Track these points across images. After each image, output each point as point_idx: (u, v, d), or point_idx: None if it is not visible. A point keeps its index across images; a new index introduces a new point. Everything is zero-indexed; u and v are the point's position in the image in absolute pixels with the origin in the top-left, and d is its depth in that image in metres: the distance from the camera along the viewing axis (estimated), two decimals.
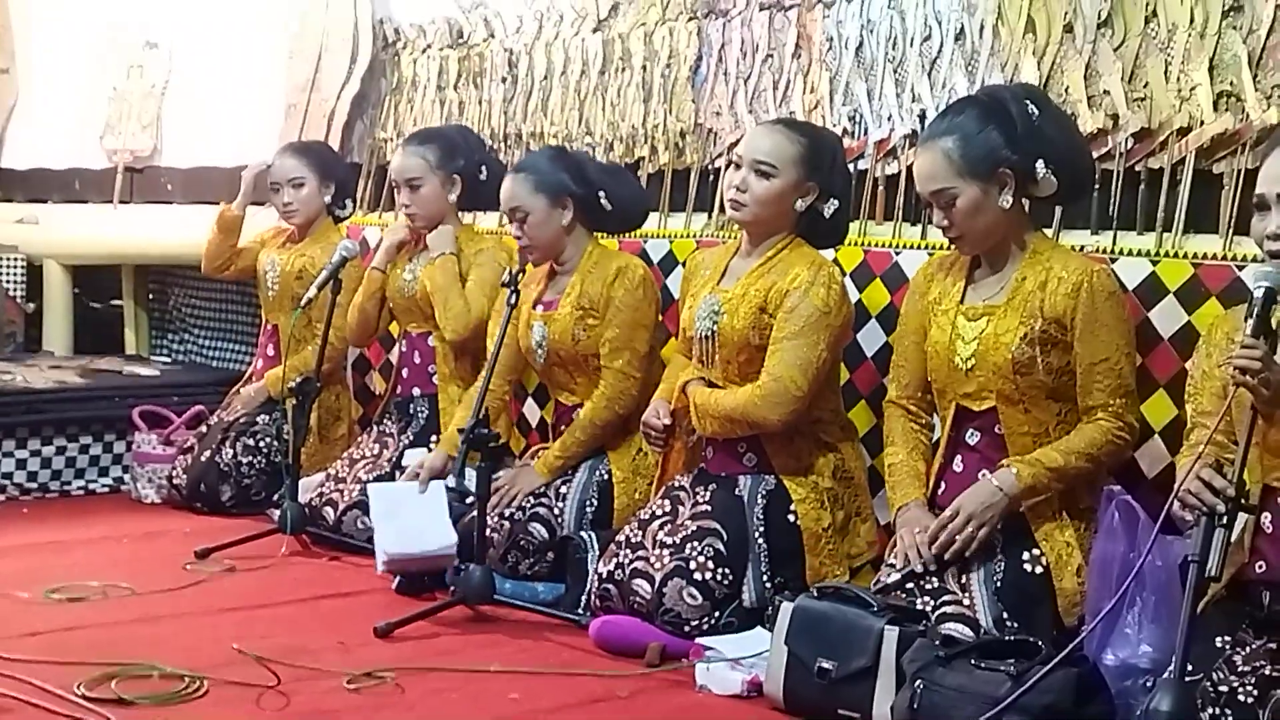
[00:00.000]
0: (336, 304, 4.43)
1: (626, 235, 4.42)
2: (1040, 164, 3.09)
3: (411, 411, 4.57)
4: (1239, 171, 3.23)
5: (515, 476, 3.96)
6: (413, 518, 3.87)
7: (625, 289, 3.91)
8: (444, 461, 4.15)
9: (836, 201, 3.55)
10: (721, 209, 3.95)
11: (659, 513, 3.55)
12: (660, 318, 4.06)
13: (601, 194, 3.99)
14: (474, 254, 4.46)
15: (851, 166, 3.96)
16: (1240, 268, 3.18)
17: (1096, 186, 3.39)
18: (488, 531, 3.70)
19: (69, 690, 2.91)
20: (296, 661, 3.16)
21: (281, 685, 3.03)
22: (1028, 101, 3.13)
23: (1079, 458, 3.04)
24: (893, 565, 3.12)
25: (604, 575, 3.50)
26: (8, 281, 6.54)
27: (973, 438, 3.20)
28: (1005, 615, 2.98)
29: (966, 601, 3.00)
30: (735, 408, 3.45)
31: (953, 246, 3.25)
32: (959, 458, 3.23)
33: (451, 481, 3.78)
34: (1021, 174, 3.10)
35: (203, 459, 4.85)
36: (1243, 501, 2.46)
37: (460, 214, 4.64)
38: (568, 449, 3.94)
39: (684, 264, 4.16)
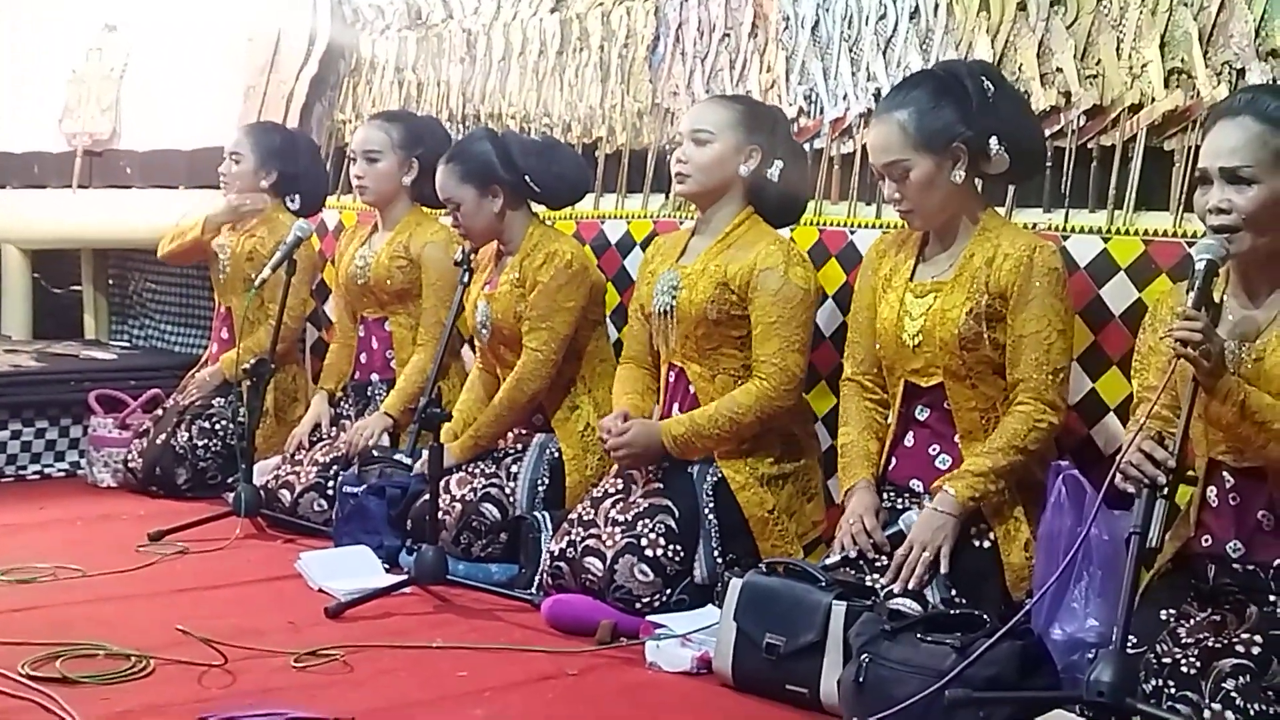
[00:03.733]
0: (291, 285, 4.40)
1: (584, 216, 4.41)
2: (994, 140, 3.09)
3: (369, 395, 4.55)
4: (1189, 148, 3.23)
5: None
6: (349, 567, 3.79)
7: (551, 271, 3.90)
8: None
9: (781, 163, 3.55)
10: None
11: (611, 490, 3.54)
12: (601, 305, 4.10)
13: (528, 177, 3.97)
14: (421, 245, 4.45)
15: (807, 146, 3.97)
16: (1191, 244, 3.16)
17: (1049, 165, 3.39)
18: (439, 513, 3.68)
19: (13, 670, 2.89)
20: (245, 641, 3.15)
21: (228, 664, 3.01)
22: (983, 78, 3.13)
23: (1006, 454, 3.02)
24: (840, 554, 3.10)
25: (556, 553, 3.49)
26: None
27: (922, 414, 3.20)
28: (953, 591, 2.97)
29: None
30: (745, 411, 3.41)
31: (904, 221, 3.23)
32: (910, 433, 3.22)
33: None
34: (975, 150, 3.10)
35: (158, 442, 4.82)
36: (1184, 473, 2.46)
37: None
38: (479, 429, 3.95)
39: (643, 245, 4.17)
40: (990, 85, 3.12)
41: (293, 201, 5.05)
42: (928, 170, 3.09)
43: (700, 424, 3.44)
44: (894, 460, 3.23)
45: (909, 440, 3.22)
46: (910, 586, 2.96)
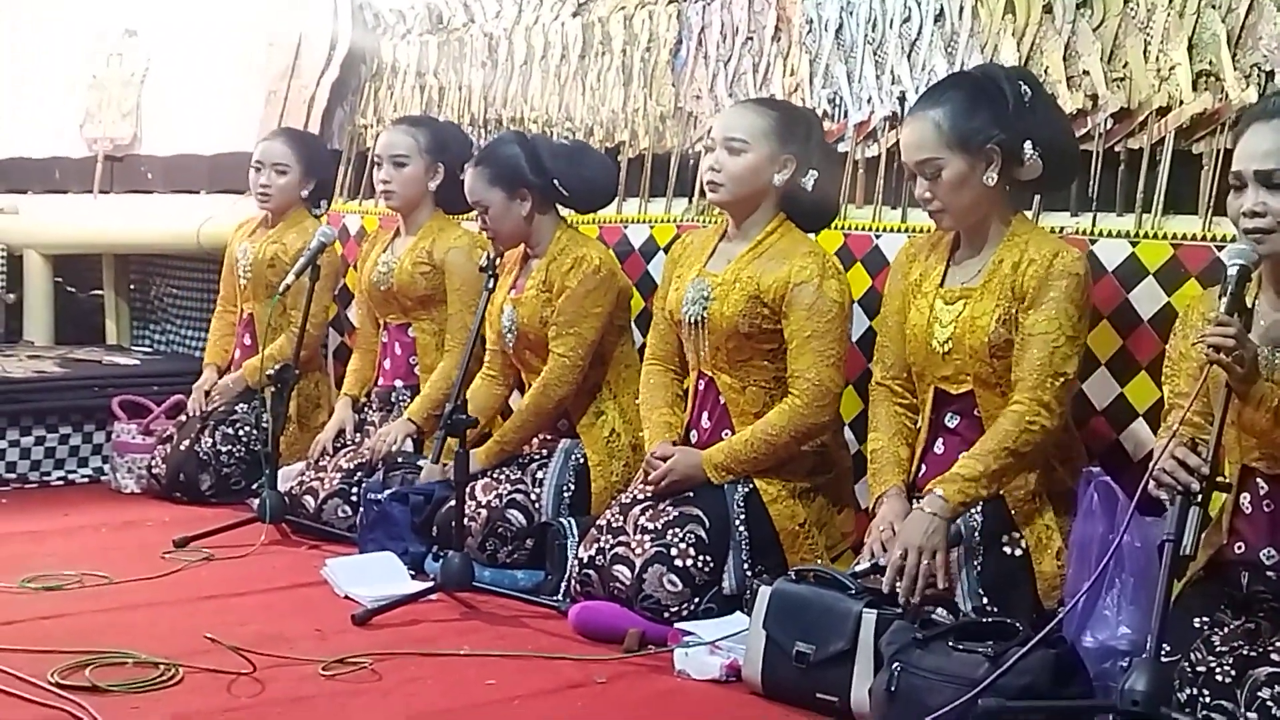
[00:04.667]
0: (314, 291, 4.40)
1: (608, 221, 4.40)
2: (1028, 145, 3.07)
3: (393, 401, 4.55)
4: (1218, 151, 3.21)
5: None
6: (375, 574, 3.78)
7: (579, 276, 3.89)
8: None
9: (816, 172, 3.52)
10: (703, 194, 3.93)
11: (641, 497, 3.52)
12: (626, 310, 4.08)
13: (556, 181, 3.96)
14: (445, 250, 4.44)
15: None
16: (1220, 248, 3.16)
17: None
18: (465, 519, 3.68)
19: (42, 678, 2.88)
20: (272, 649, 3.14)
21: (256, 672, 3.00)
22: (1021, 82, 3.12)
23: (998, 457, 2.98)
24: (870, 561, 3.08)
25: (584, 560, 3.48)
26: None
27: (952, 421, 3.18)
28: (985, 600, 2.96)
29: (947, 586, 2.97)
30: (780, 431, 3.39)
31: (933, 222, 3.21)
32: (940, 440, 3.21)
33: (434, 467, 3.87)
34: (1008, 153, 3.07)
35: (182, 448, 4.82)
36: (1217, 480, 2.45)
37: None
38: (504, 435, 3.95)
39: (666, 249, 4.16)
40: (1028, 90, 3.11)
41: (318, 208, 5.07)
42: (960, 170, 3.07)
43: (738, 450, 3.42)
44: (924, 467, 3.21)
45: (939, 447, 3.20)
46: (915, 598, 2.91)
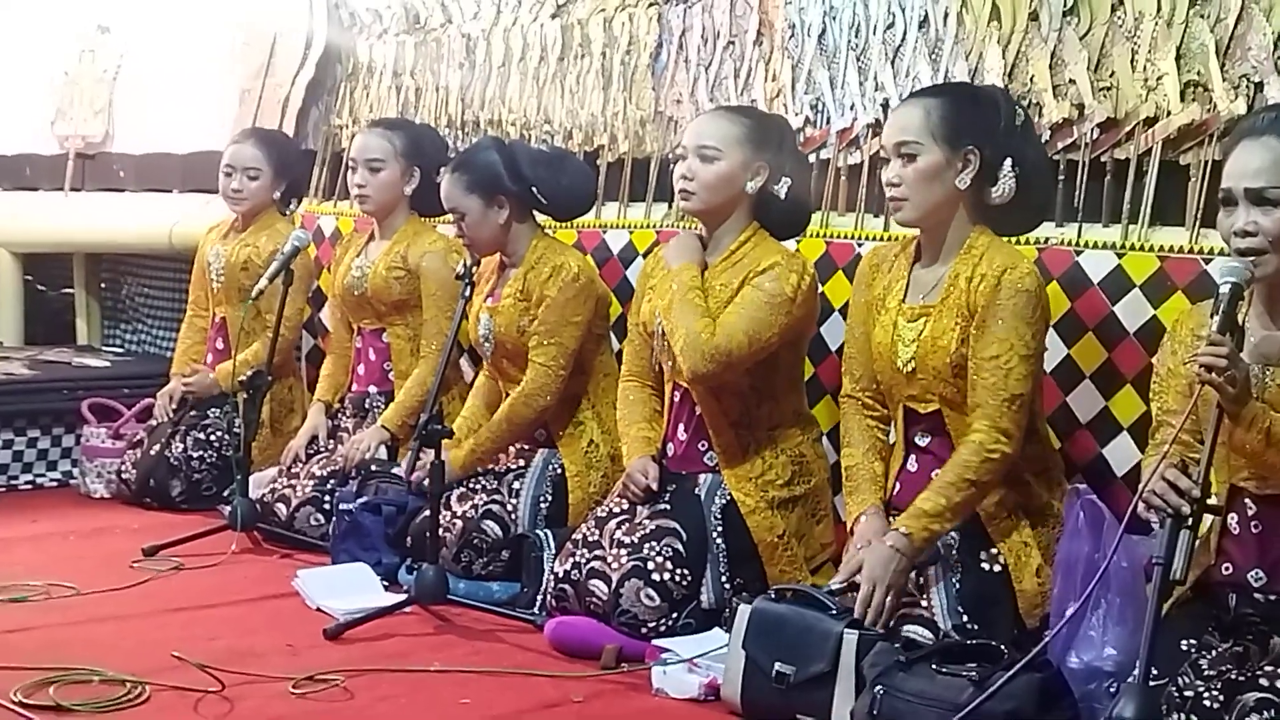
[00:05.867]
0: (288, 295, 4.33)
1: (586, 226, 4.35)
2: (1008, 163, 3.03)
3: (367, 407, 4.48)
4: (1206, 163, 3.18)
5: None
6: (347, 585, 3.72)
7: (559, 285, 3.84)
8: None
9: (789, 179, 3.47)
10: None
11: (617, 510, 3.47)
12: (605, 319, 4.03)
13: (535, 189, 3.91)
14: (420, 255, 4.38)
15: (814, 156, 3.92)
16: (1207, 261, 3.13)
17: (1060, 180, 3.34)
18: (440, 530, 3.62)
19: (5, 697, 2.82)
20: (242, 665, 3.08)
21: (225, 690, 2.95)
22: (1018, 108, 3.11)
23: (959, 489, 2.94)
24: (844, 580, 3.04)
25: (560, 575, 3.43)
26: None
27: (922, 439, 3.13)
28: (965, 618, 2.91)
29: (925, 604, 2.94)
30: (680, 336, 3.33)
31: (893, 211, 3.15)
32: (913, 458, 3.16)
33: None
34: (987, 164, 3.03)
35: (152, 453, 4.75)
36: (1208, 502, 2.40)
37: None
38: (482, 443, 3.89)
39: (645, 254, 4.10)
40: (1023, 116, 3.10)
41: (289, 206, 5.01)
42: (935, 162, 3.02)
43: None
44: (898, 485, 3.17)
45: (912, 464, 3.15)
46: (867, 624, 2.87)
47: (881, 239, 3.74)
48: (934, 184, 3.04)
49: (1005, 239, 3.16)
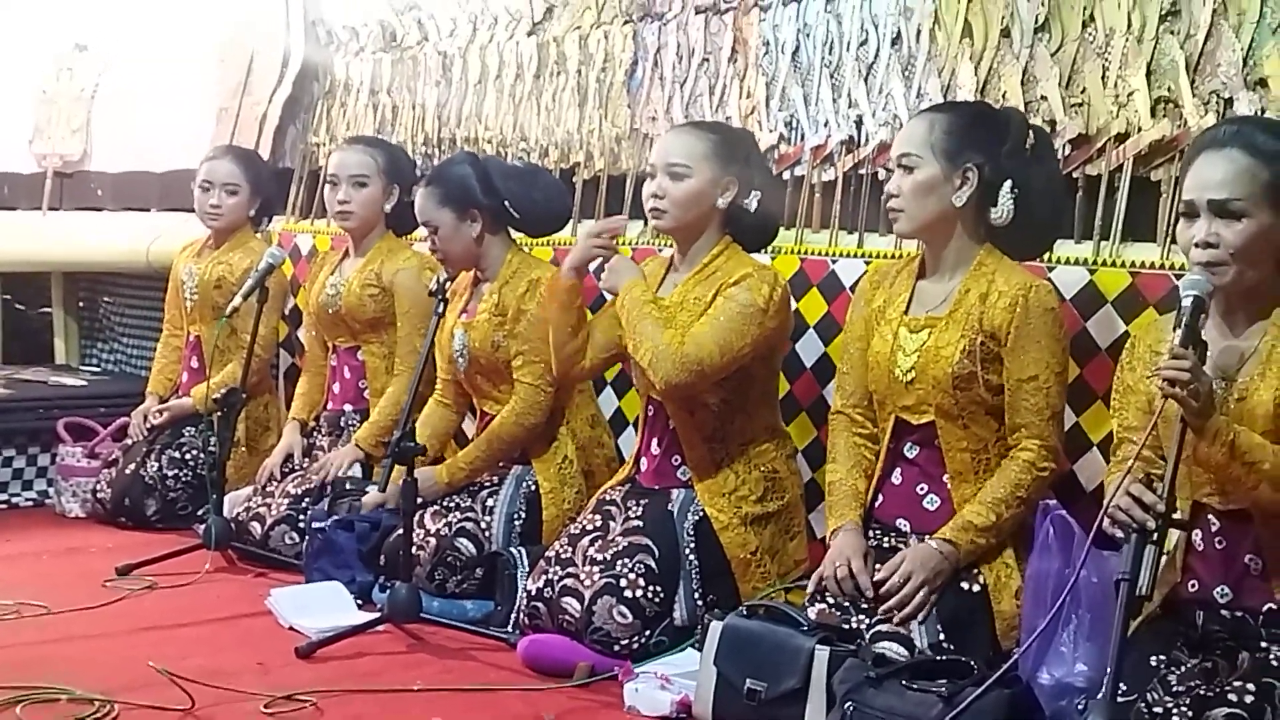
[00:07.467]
0: (262, 314, 4.31)
1: (564, 242, 4.34)
2: (1008, 185, 3.03)
3: (343, 425, 4.47)
4: (1177, 179, 3.16)
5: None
6: (320, 604, 3.71)
7: (537, 300, 3.82)
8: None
9: (759, 193, 3.46)
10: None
11: (590, 527, 3.46)
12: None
13: (507, 203, 3.90)
14: (393, 273, 4.38)
15: (788, 173, 3.93)
16: (1178, 276, 3.12)
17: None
18: (414, 548, 3.61)
19: None
20: (213, 683, 3.06)
21: (196, 709, 2.94)
22: (1030, 131, 3.11)
23: (1009, 505, 2.95)
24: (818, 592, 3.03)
25: (533, 593, 3.41)
26: None
27: (911, 451, 3.13)
28: (942, 636, 2.89)
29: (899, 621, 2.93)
30: (646, 350, 3.31)
31: (891, 220, 3.16)
32: (898, 470, 3.15)
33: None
34: (986, 183, 3.03)
35: (127, 472, 4.73)
36: (1173, 517, 2.40)
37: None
38: (471, 461, 3.86)
39: None
40: (1034, 142, 3.09)
41: (264, 226, 5.00)
42: (932, 175, 3.03)
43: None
44: (880, 497, 3.16)
45: (896, 477, 3.14)
46: (896, 621, 2.88)
47: (855, 256, 3.75)
48: (929, 198, 3.04)
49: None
